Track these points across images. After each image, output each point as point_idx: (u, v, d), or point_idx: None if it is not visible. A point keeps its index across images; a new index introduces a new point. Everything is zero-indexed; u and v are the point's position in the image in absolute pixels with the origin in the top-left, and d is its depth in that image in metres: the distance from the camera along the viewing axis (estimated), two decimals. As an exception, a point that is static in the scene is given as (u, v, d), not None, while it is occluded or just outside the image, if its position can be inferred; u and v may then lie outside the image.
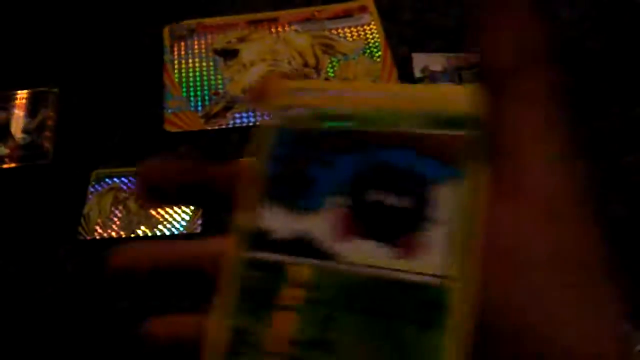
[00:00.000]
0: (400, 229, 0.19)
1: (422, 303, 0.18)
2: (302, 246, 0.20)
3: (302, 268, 0.19)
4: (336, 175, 0.20)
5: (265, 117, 0.24)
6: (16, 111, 0.69)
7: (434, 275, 0.18)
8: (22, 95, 0.70)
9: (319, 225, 0.20)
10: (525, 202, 0.19)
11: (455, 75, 0.71)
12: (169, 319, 0.23)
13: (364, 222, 0.19)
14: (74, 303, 0.54)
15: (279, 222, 0.20)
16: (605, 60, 0.73)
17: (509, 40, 0.20)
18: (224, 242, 0.21)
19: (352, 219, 0.19)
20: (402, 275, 0.18)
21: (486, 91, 0.19)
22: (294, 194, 0.20)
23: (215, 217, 0.60)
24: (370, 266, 0.19)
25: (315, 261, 0.19)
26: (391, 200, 0.19)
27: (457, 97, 0.19)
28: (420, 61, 0.72)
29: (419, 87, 0.18)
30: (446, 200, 0.18)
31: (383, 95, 0.21)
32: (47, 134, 0.67)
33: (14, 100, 0.70)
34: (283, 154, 0.21)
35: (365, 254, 0.19)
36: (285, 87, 0.22)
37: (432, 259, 0.18)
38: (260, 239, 0.20)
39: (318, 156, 0.20)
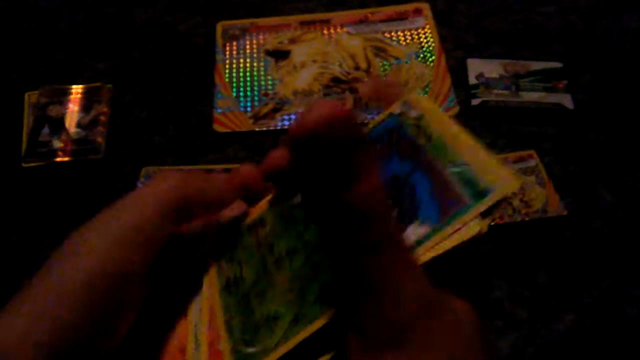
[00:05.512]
0: None
1: None
2: None
3: None
4: (389, 167, 0.28)
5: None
6: (71, 106, 0.70)
7: None
8: (77, 90, 0.71)
9: None
10: None
11: (512, 82, 0.68)
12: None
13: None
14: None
15: None
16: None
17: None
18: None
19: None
20: None
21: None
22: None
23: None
24: None
25: None
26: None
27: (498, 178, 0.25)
28: (476, 67, 0.70)
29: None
30: None
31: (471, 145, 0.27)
32: (100, 129, 0.68)
33: (69, 95, 0.71)
34: (382, 130, 0.30)
35: None
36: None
37: None
38: None
39: (394, 146, 0.29)
